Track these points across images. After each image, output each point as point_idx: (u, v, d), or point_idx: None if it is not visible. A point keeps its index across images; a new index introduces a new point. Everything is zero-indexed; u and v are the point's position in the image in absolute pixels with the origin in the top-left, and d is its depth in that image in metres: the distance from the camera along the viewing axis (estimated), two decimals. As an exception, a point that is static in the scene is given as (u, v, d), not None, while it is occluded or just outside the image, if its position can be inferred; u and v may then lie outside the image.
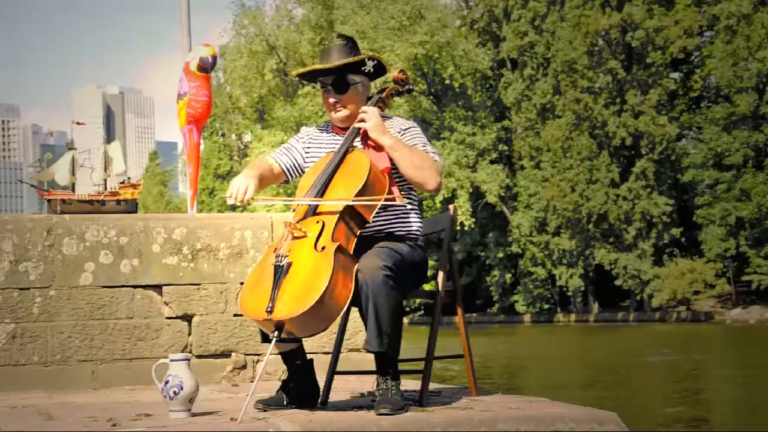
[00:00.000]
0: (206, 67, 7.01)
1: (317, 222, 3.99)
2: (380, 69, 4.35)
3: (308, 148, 4.40)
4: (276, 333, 3.83)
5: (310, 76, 4.36)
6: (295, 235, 3.97)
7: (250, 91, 54.05)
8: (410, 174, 4.15)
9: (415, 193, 4.33)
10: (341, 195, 4.04)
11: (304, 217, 4.06)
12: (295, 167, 4.39)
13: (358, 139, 4.24)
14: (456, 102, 51.89)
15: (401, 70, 4.47)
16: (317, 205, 4.05)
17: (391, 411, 3.84)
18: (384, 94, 4.40)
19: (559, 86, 48.61)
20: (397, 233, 4.23)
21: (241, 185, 4.13)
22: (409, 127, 4.31)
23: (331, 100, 4.26)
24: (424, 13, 48.99)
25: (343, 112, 4.27)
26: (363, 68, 4.27)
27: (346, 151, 4.18)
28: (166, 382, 3.97)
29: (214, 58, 7.09)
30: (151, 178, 79.95)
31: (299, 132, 4.51)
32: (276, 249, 3.99)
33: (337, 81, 4.24)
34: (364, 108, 4.23)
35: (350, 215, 4.03)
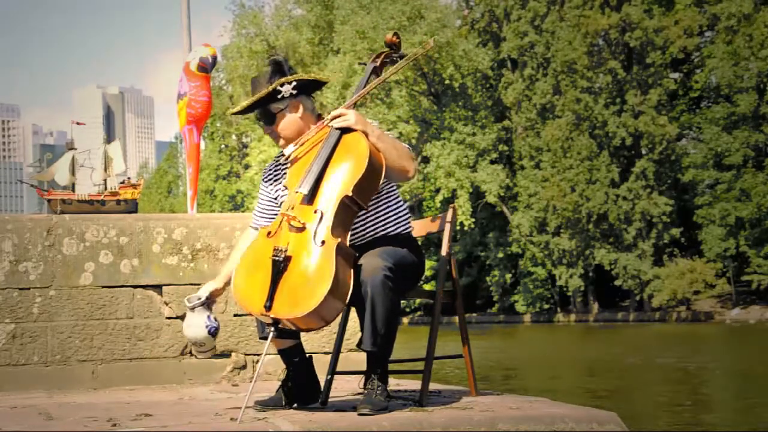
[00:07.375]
0: (206, 67, 7.01)
1: (315, 211, 3.90)
2: (309, 84, 4.18)
3: (276, 189, 4.26)
4: (273, 327, 3.81)
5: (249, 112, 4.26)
6: (293, 225, 3.89)
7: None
8: (395, 162, 4.05)
9: (399, 195, 4.26)
10: (342, 179, 3.94)
11: (301, 206, 3.94)
12: None
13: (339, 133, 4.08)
14: (456, 102, 51.87)
15: (395, 34, 4.32)
16: (313, 195, 3.95)
17: (371, 411, 3.82)
18: (378, 62, 4.27)
19: (559, 86, 48.63)
20: (391, 234, 4.17)
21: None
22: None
23: (267, 132, 4.22)
24: (424, 13, 48.98)
25: (281, 141, 4.19)
26: (278, 96, 4.11)
27: (338, 140, 4.04)
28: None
29: (215, 58, 7.09)
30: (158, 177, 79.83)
31: (261, 181, 4.37)
32: (269, 234, 3.90)
33: (262, 114, 4.17)
34: (337, 111, 4.10)
35: (348, 203, 3.94)
